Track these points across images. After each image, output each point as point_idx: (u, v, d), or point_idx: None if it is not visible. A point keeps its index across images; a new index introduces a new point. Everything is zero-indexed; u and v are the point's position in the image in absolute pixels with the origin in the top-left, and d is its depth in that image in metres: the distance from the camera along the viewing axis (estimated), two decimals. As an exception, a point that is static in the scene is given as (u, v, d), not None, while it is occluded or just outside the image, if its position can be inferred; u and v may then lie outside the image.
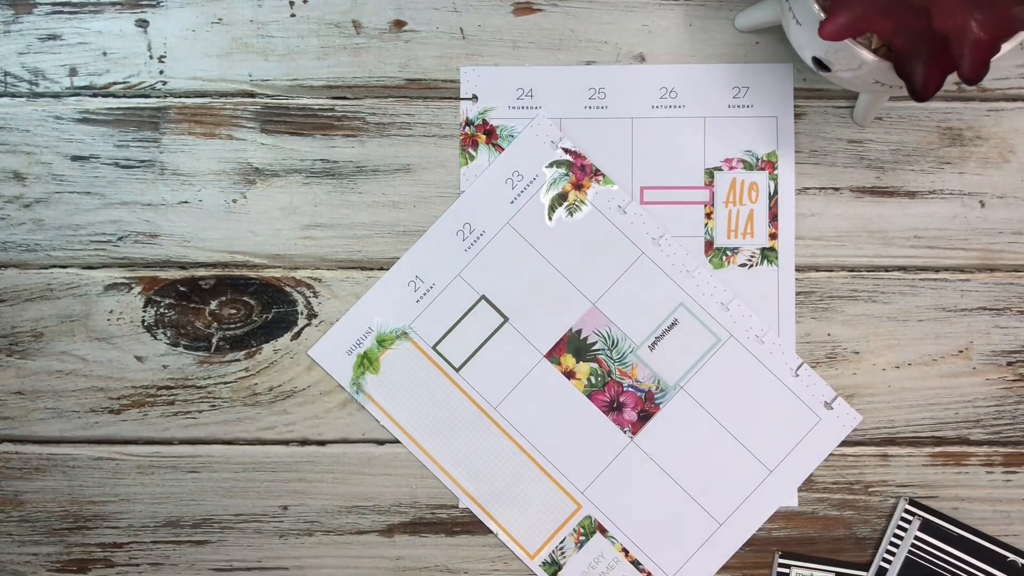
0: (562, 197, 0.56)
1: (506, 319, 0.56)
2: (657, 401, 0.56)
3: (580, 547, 0.56)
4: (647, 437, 0.56)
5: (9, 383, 0.57)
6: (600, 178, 0.56)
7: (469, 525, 0.56)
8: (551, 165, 0.56)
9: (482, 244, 0.56)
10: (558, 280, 0.56)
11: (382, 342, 0.56)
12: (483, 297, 0.56)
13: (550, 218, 0.56)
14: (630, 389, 0.56)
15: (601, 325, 0.56)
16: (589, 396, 0.56)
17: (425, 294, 0.56)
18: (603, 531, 0.56)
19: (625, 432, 0.56)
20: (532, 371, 0.56)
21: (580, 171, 0.56)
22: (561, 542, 0.56)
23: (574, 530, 0.56)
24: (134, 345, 0.56)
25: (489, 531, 0.56)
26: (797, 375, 0.55)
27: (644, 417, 0.56)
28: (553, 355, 0.56)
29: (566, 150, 0.56)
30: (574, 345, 0.56)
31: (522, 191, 0.56)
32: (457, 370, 0.56)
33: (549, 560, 0.56)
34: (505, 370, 0.56)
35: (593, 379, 0.56)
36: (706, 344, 0.56)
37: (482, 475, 0.56)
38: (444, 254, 0.56)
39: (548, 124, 0.56)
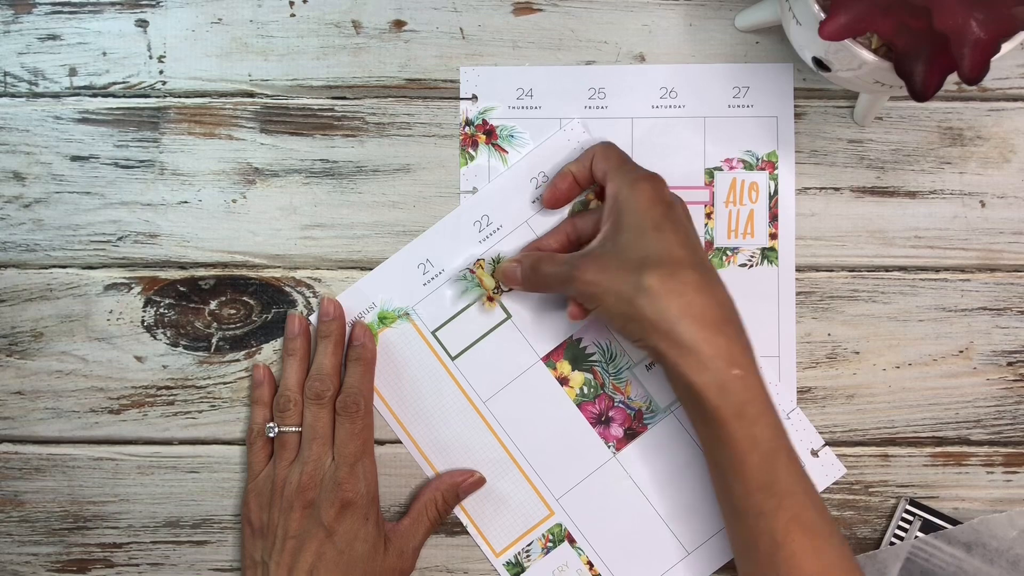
0: (583, 205, 0.56)
1: (509, 316, 0.56)
2: (645, 421, 0.56)
3: (546, 553, 0.55)
4: (629, 455, 0.55)
5: (9, 383, 0.57)
6: None
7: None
8: None
9: (497, 238, 0.56)
10: None
11: (383, 319, 0.56)
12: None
13: None
14: (620, 405, 0.56)
15: (602, 337, 0.56)
16: (579, 405, 0.56)
17: (433, 278, 0.56)
18: (571, 541, 0.55)
19: (609, 447, 0.56)
20: (526, 372, 0.56)
21: None
22: (528, 545, 0.56)
23: (543, 535, 0.56)
24: (134, 345, 0.56)
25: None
26: (788, 418, 0.55)
27: (630, 435, 0.56)
28: (550, 359, 0.56)
29: None
30: (572, 353, 0.56)
31: None
32: (453, 359, 0.56)
33: (513, 561, 0.56)
34: (500, 366, 0.56)
35: (586, 389, 0.56)
36: None
37: (460, 466, 0.56)
38: (458, 242, 0.56)
39: (581, 131, 0.56)
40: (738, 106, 0.56)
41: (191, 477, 0.57)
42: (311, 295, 0.56)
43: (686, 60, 0.56)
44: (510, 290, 0.55)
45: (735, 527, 0.49)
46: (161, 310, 0.56)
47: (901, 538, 0.55)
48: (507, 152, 0.56)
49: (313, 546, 0.51)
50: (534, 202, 0.56)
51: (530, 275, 0.52)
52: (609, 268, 0.48)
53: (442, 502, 0.54)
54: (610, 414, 0.56)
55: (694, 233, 0.50)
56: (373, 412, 0.55)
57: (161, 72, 0.56)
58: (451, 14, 0.56)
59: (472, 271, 0.55)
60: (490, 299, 0.55)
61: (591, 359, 0.56)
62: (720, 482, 0.49)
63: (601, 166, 0.52)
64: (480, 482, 0.55)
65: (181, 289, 0.56)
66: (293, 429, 0.53)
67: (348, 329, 0.55)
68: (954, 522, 0.54)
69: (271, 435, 0.54)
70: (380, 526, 0.53)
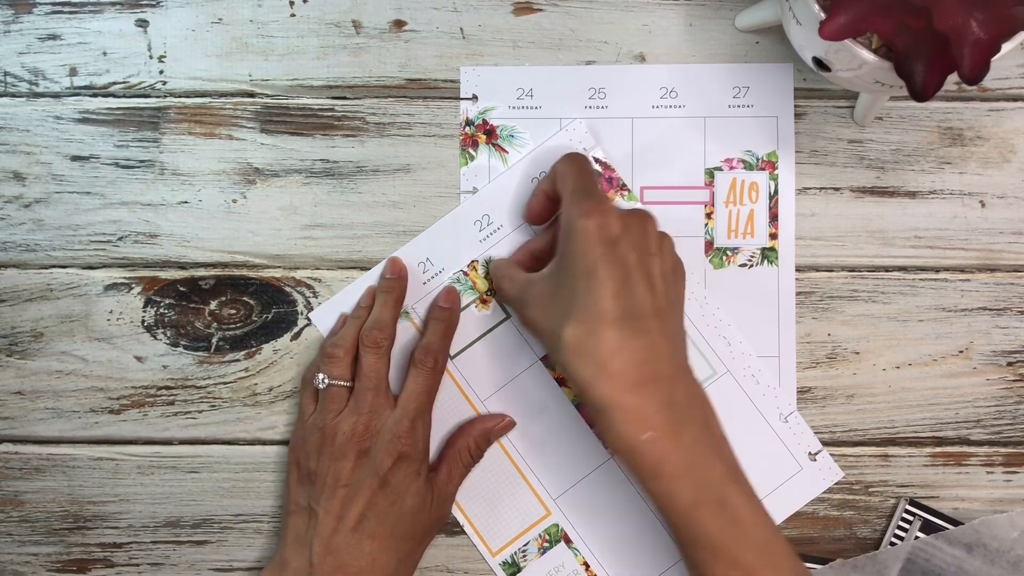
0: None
1: (508, 315, 0.56)
2: None
3: (543, 553, 0.55)
4: None
5: (9, 383, 0.57)
6: (625, 193, 0.56)
7: (469, 525, 0.56)
8: None
9: (498, 238, 0.56)
10: None
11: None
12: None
13: None
14: None
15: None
16: (577, 406, 0.56)
17: (433, 277, 0.56)
18: (568, 541, 0.55)
19: (607, 448, 0.56)
20: (525, 372, 0.56)
21: (607, 183, 0.56)
22: (524, 545, 0.56)
23: (539, 535, 0.55)
24: (134, 345, 0.56)
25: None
26: (786, 421, 0.55)
27: None
28: (548, 359, 0.56)
29: (597, 160, 0.56)
30: (571, 353, 0.56)
31: None
32: (451, 358, 0.56)
33: (510, 561, 0.56)
34: (498, 366, 0.56)
35: None
36: (702, 375, 0.55)
37: None
38: (459, 241, 0.56)
39: (584, 131, 0.55)
40: (738, 106, 0.56)
41: (191, 477, 0.57)
42: (311, 295, 0.56)
43: (686, 60, 0.56)
44: None
45: (687, 570, 0.48)
46: (161, 310, 0.56)
47: (901, 538, 0.55)
48: (507, 152, 0.56)
49: (365, 495, 0.50)
50: None
51: (496, 285, 0.53)
52: (545, 309, 0.48)
53: (475, 447, 0.54)
54: (609, 414, 0.56)
55: (641, 272, 0.47)
56: (443, 374, 0.55)
57: (161, 72, 0.56)
58: (451, 14, 0.56)
59: (466, 273, 0.55)
60: (483, 301, 0.55)
61: (591, 359, 0.56)
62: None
63: (559, 186, 0.51)
64: (511, 425, 0.55)
65: (181, 289, 0.56)
66: (341, 383, 0.53)
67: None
68: (954, 522, 0.54)
69: (320, 386, 0.53)
70: (429, 483, 0.53)
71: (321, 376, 0.53)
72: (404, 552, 0.51)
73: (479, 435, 0.54)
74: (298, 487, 0.53)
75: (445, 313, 0.54)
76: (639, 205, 0.55)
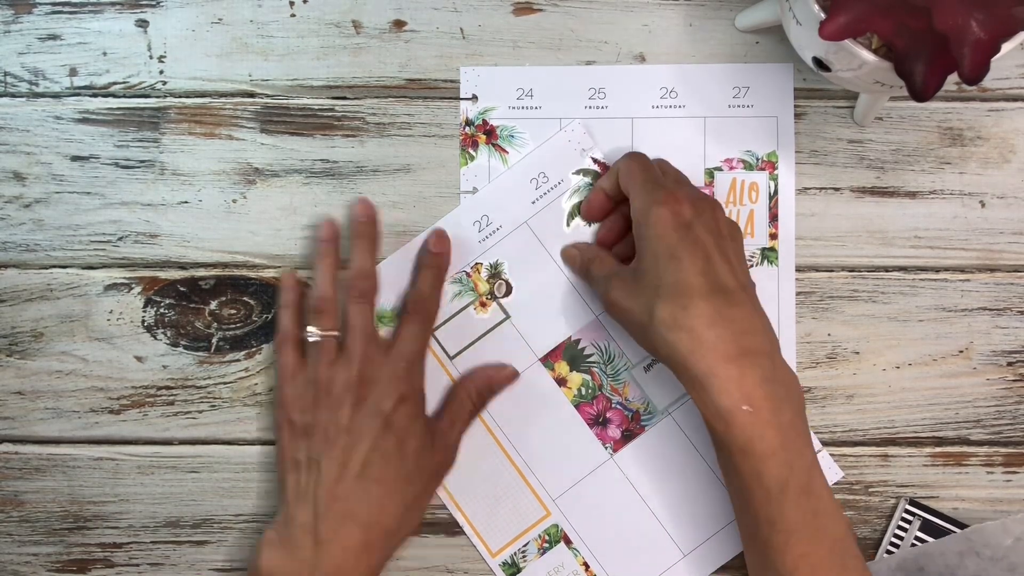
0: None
1: (507, 316, 0.56)
2: (643, 423, 0.56)
3: (542, 554, 0.55)
4: (627, 456, 0.55)
5: (9, 383, 0.57)
6: None
7: (469, 525, 0.56)
8: (578, 172, 0.56)
9: (497, 238, 0.56)
10: (566, 287, 0.56)
11: (381, 318, 0.56)
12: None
13: (568, 224, 0.56)
14: (618, 406, 0.56)
15: (600, 339, 0.56)
16: (577, 407, 0.56)
17: None
18: (568, 542, 0.55)
19: (606, 448, 0.56)
20: (524, 372, 0.56)
21: None
22: (524, 546, 0.56)
23: (539, 536, 0.55)
24: (134, 345, 0.56)
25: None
26: None
27: (628, 436, 0.56)
28: (548, 360, 0.56)
29: (595, 160, 0.56)
30: (570, 354, 0.56)
31: (545, 193, 0.56)
32: (451, 358, 0.56)
33: (509, 561, 0.56)
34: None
35: (583, 390, 0.56)
36: None
37: (457, 467, 0.55)
38: (458, 242, 0.56)
39: (582, 132, 0.56)
40: (738, 106, 0.56)
41: (191, 477, 0.57)
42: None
43: (686, 60, 0.56)
44: (504, 296, 0.55)
45: (748, 551, 0.50)
46: (161, 310, 0.56)
47: (901, 538, 0.55)
48: (507, 152, 0.56)
49: (368, 440, 0.50)
50: (534, 202, 0.56)
51: (584, 270, 0.54)
52: (631, 294, 0.49)
53: (477, 397, 0.54)
54: (608, 415, 0.56)
55: (720, 253, 0.48)
56: (435, 321, 0.55)
57: (161, 72, 0.56)
58: (451, 14, 0.56)
59: (469, 274, 0.55)
60: (482, 304, 0.55)
61: (589, 360, 0.56)
62: (734, 506, 0.50)
63: (625, 184, 0.52)
64: (513, 375, 0.55)
65: (181, 289, 0.56)
66: (334, 334, 0.53)
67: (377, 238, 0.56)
68: (954, 522, 0.54)
69: (311, 339, 0.52)
70: (430, 428, 0.53)
71: (312, 329, 0.52)
72: (411, 497, 0.51)
73: (481, 384, 0.54)
74: (293, 443, 0.52)
75: (436, 259, 0.54)
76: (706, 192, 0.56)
